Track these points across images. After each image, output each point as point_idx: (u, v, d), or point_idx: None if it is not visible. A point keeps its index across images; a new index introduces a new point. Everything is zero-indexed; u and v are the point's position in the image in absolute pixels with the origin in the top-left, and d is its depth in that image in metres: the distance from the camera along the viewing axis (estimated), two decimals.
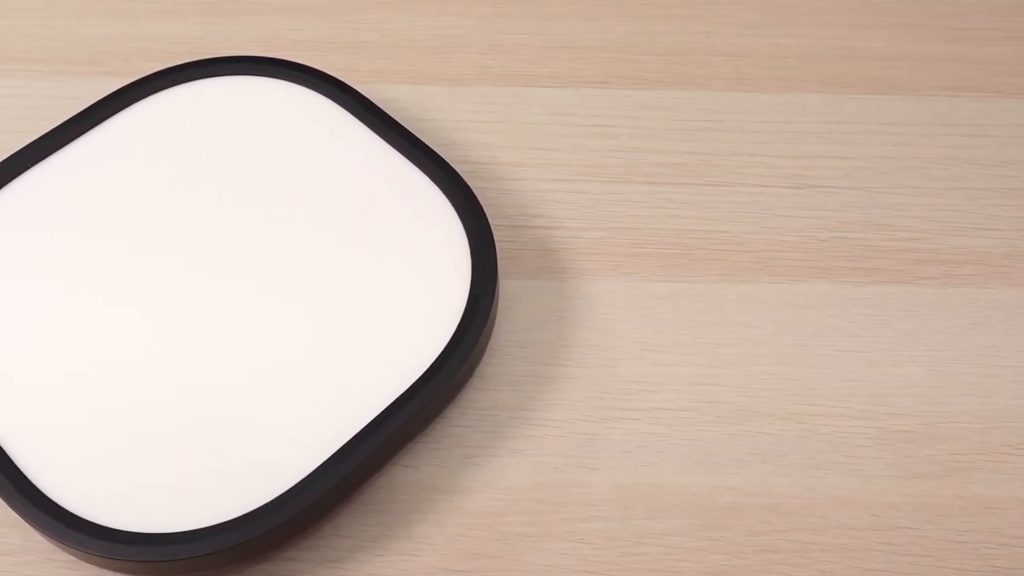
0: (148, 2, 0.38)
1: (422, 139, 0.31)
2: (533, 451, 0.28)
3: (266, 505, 0.25)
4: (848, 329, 0.30)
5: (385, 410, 0.26)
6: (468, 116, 0.35)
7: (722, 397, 0.29)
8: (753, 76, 0.36)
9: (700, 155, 0.34)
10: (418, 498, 0.28)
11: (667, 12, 0.38)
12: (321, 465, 0.26)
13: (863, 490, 0.28)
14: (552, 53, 0.36)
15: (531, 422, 0.29)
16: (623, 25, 0.37)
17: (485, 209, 0.30)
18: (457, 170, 0.30)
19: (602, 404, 0.29)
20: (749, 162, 0.34)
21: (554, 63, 0.36)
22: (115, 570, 0.26)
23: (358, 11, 0.38)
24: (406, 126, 0.31)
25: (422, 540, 0.27)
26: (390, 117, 0.31)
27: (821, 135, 0.34)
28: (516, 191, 0.33)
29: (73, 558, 0.26)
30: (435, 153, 0.31)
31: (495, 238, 0.29)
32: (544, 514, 0.27)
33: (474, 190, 0.30)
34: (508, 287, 0.31)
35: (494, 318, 0.29)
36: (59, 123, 0.32)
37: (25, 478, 0.25)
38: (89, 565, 0.26)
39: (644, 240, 0.32)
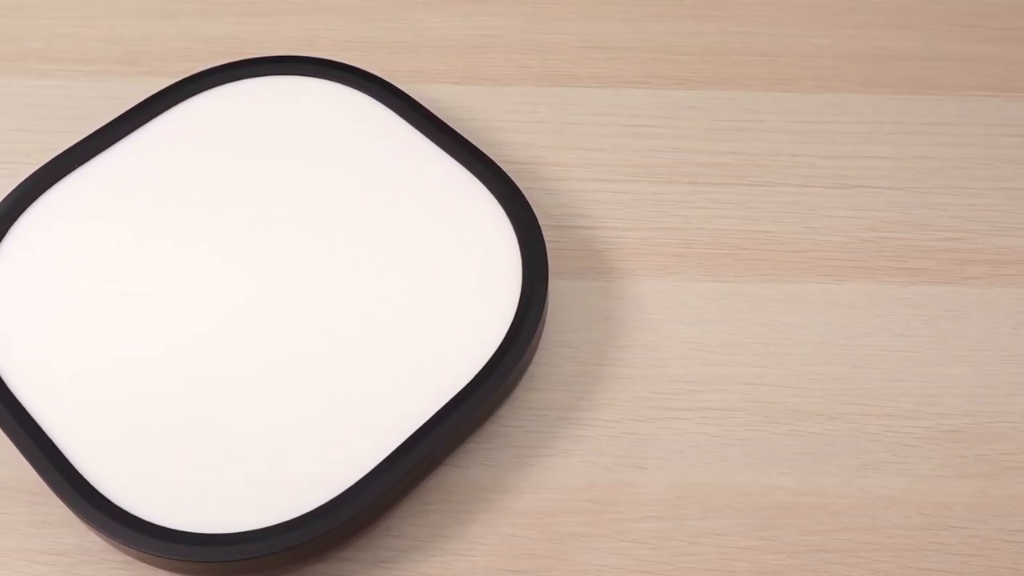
0: (185, 2, 0.38)
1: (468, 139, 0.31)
2: (584, 451, 0.28)
3: (325, 505, 0.25)
4: (894, 329, 0.30)
5: (440, 411, 0.26)
6: (510, 116, 0.35)
7: (771, 397, 0.29)
8: (792, 76, 0.36)
9: (742, 155, 0.34)
10: (470, 498, 0.28)
11: (704, 12, 0.38)
12: (377, 466, 0.26)
13: (913, 490, 0.28)
14: (591, 53, 0.36)
15: (582, 422, 0.29)
16: (661, 25, 0.37)
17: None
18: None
19: (652, 404, 0.29)
20: (791, 162, 0.34)
21: (594, 63, 0.36)
22: (174, 570, 0.26)
23: (396, 11, 0.38)
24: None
25: (475, 540, 0.27)
26: (436, 117, 0.31)
27: (862, 135, 0.34)
28: (560, 191, 0.33)
29: (128, 558, 0.27)
30: (483, 153, 0.31)
31: None
32: (597, 514, 0.27)
33: None
34: (555, 287, 0.31)
35: (545, 318, 0.29)
36: (107, 121, 0.32)
37: (83, 479, 0.25)
38: (144, 565, 0.26)
39: (689, 240, 0.32)
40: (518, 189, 0.30)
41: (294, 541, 0.24)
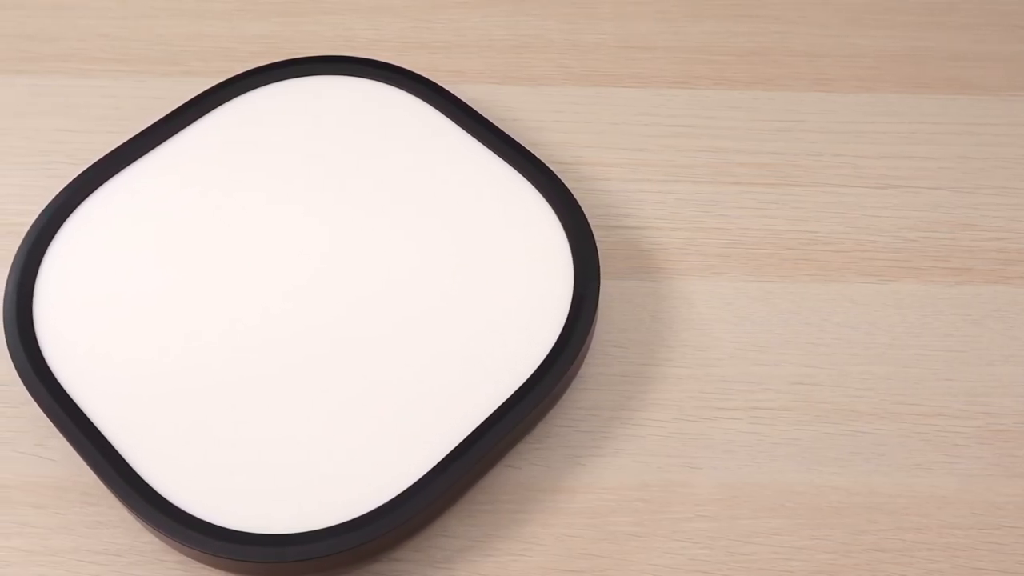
0: (224, 2, 0.38)
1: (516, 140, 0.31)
2: (636, 451, 0.28)
3: (385, 506, 0.25)
4: (941, 329, 0.31)
5: (496, 411, 0.26)
6: (552, 116, 0.35)
7: (820, 397, 0.29)
8: (831, 76, 0.36)
9: (784, 155, 0.34)
10: (523, 498, 0.28)
11: (742, 12, 0.38)
12: (435, 466, 0.26)
13: (965, 489, 0.28)
14: (631, 53, 0.37)
15: (632, 422, 0.29)
16: (699, 25, 0.37)
17: None
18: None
19: (702, 404, 0.29)
20: (834, 162, 0.34)
21: (634, 63, 0.36)
22: (231, 570, 0.26)
23: (435, 11, 0.38)
24: None
25: (530, 540, 0.27)
26: (483, 117, 0.31)
27: (903, 135, 0.34)
28: (604, 191, 0.33)
29: (183, 559, 0.27)
30: (531, 154, 0.31)
31: None
32: (650, 514, 0.27)
33: None
34: (602, 287, 0.31)
35: (596, 318, 0.29)
36: (151, 120, 0.32)
37: (142, 480, 0.25)
38: (198, 566, 0.26)
39: (734, 240, 0.32)
40: (567, 190, 0.30)
41: (355, 541, 0.25)
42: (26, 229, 0.32)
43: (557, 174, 0.31)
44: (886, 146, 0.34)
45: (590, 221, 0.32)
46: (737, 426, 0.29)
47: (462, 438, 0.26)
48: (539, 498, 0.28)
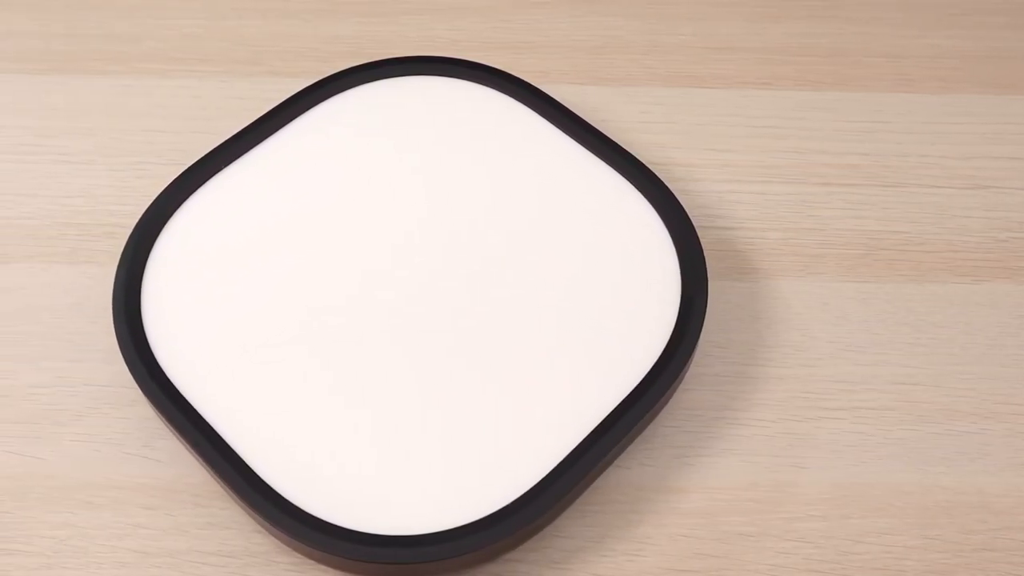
0: (304, 2, 0.38)
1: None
2: (743, 451, 0.28)
3: (508, 507, 0.25)
4: None
5: (613, 412, 0.26)
6: (638, 117, 0.35)
7: (922, 396, 0.29)
8: (914, 77, 0.36)
9: (871, 156, 0.34)
10: (635, 498, 0.28)
11: (822, 13, 0.38)
12: (555, 468, 0.26)
13: None
14: (713, 54, 0.37)
15: (738, 422, 0.29)
16: (780, 26, 0.37)
17: None
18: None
19: (806, 404, 0.29)
20: (921, 163, 0.34)
21: (716, 64, 0.36)
22: (351, 571, 0.26)
23: (513, 11, 0.38)
24: None
25: (644, 540, 0.27)
26: (579, 117, 0.31)
27: (988, 136, 0.35)
28: (695, 192, 0.33)
29: (297, 560, 0.27)
30: (630, 155, 0.31)
31: None
32: (762, 513, 0.28)
33: None
34: None
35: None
36: (237, 120, 0.32)
37: (263, 481, 0.25)
38: (314, 567, 0.26)
39: (828, 240, 0.32)
40: (669, 191, 0.30)
41: (480, 543, 0.25)
42: (120, 229, 0.32)
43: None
44: (971, 147, 0.34)
45: None
46: (842, 426, 0.29)
47: (581, 439, 0.26)
48: (651, 498, 0.28)
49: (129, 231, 0.30)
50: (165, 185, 0.31)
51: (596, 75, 0.36)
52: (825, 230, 0.33)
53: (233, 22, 0.37)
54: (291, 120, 0.31)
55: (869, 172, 0.34)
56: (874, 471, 0.28)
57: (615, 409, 0.27)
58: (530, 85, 0.32)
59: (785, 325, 0.31)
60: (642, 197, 0.30)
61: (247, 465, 0.26)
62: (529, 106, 0.32)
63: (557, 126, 0.31)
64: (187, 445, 0.26)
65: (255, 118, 0.32)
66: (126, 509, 0.27)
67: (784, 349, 0.30)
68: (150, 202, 0.30)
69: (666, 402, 0.28)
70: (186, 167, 0.31)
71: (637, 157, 0.31)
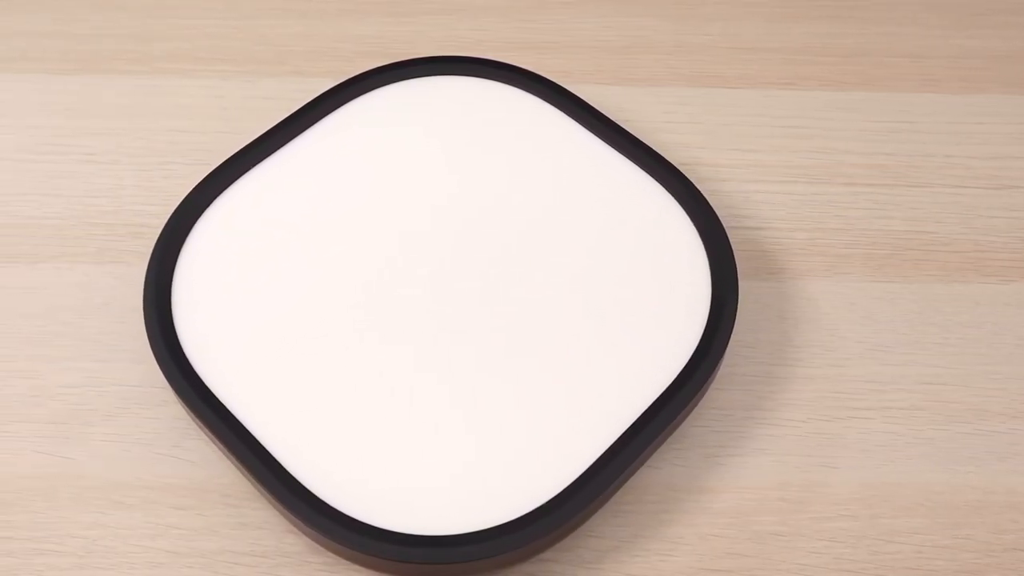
0: (327, 2, 0.38)
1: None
2: (773, 450, 0.28)
3: (541, 508, 0.25)
4: None
5: (645, 412, 0.26)
6: (663, 117, 0.35)
7: (951, 396, 0.29)
8: (938, 77, 0.36)
9: (896, 156, 0.34)
10: (666, 498, 0.28)
11: (845, 14, 0.38)
12: (589, 468, 0.26)
13: None
14: (737, 54, 0.37)
15: (767, 422, 0.29)
16: (803, 26, 0.37)
17: None
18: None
19: (835, 403, 0.29)
20: (946, 163, 0.34)
21: (740, 64, 0.36)
22: (386, 571, 0.25)
23: (538, 12, 0.38)
24: None
25: (676, 540, 0.27)
26: (606, 117, 0.31)
27: (1014, 136, 0.35)
28: (722, 192, 0.33)
29: (331, 560, 0.27)
30: (658, 155, 0.31)
31: None
32: (792, 513, 0.28)
33: None
34: None
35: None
36: (263, 120, 0.32)
37: (297, 481, 0.25)
38: (347, 567, 0.26)
39: (854, 241, 0.32)
40: (698, 191, 0.30)
41: (516, 544, 0.24)
42: (146, 229, 0.32)
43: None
44: (997, 147, 0.34)
45: None
46: (871, 426, 0.29)
47: (615, 439, 0.26)
48: (682, 498, 0.28)
49: (155, 231, 0.30)
50: (190, 185, 0.31)
51: (620, 75, 0.36)
52: (851, 230, 0.33)
53: (256, 22, 0.37)
54: (319, 120, 0.31)
55: (895, 172, 0.34)
56: (904, 471, 0.28)
57: (648, 409, 0.27)
58: (557, 85, 0.32)
59: (813, 325, 0.31)
60: (671, 197, 0.30)
61: (281, 465, 0.26)
62: (556, 106, 0.32)
63: (585, 126, 0.31)
64: (220, 445, 0.26)
65: (279, 118, 0.32)
66: (157, 509, 0.27)
67: (812, 349, 0.30)
68: (175, 202, 0.30)
69: (697, 402, 0.28)
70: (213, 167, 0.31)
71: (665, 157, 0.31)
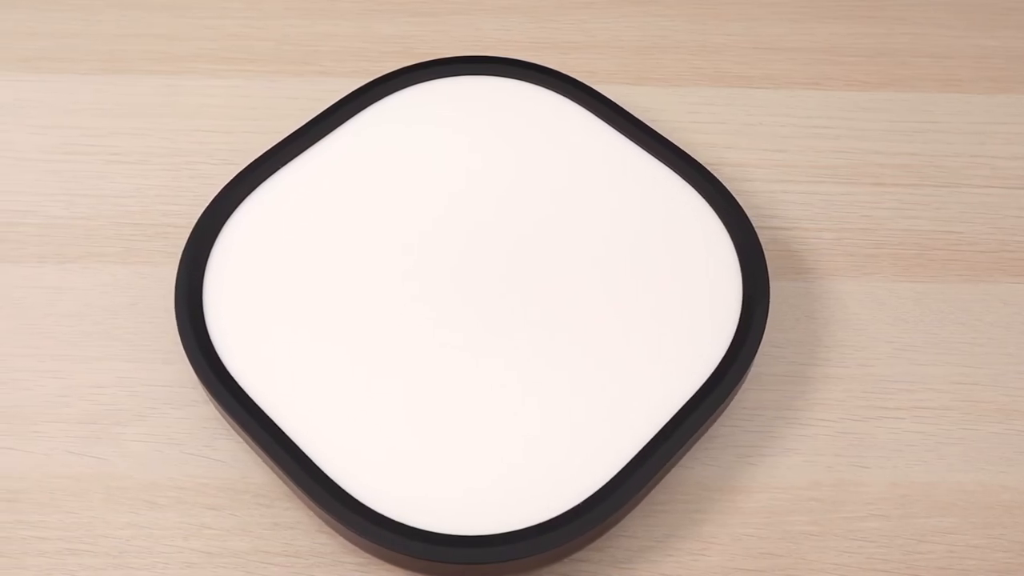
0: (352, 2, 0.38)
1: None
2: (804, 450, 0.29)
3: (577, 508, 0.25)
4: None
5: (679, 412, 0.26)
6: (688, 117, 0.35)
7: (981, 396, 0.30)
8: (961, 77, 0.36)
9: (922, 156, 0.34)
10: (699, 497, 0.28)
11: (867, 14, 0.38)
12: (625, 467, 0.26)
13: None
14: (760, 54, 0.37)
15: (798, 421, 0.29)
16: (826, 26, 0.38)
17: None
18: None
19: (865, 403, 0.29)
20: (972, 163, 0.34)
21: (764, 64, 0.36)
22: (420, 571, 0.25)
23: (561, 12, 0.38)
24: None
25: (709, 540, 0.27)
26: (635, 118, 0.31)
27: None
28: (748, 192, 0.33)
29: (364, 560, 0.26)
30: (687, 155, 0.31)
31: None
32: (824, 512, 0.28)
33: None
34: None
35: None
36: (289, 120, 0.32)
37: (333, 482, 0.25)
38: (380, 567, 0.26)
39: (881, 240, 0.32)
40: (728, 191, 0.30)
41: (552, 543, 0.24)
42: (174, 229, 0.32)
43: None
44: (1021, 147, 0.34)
45: None
46: (902, 425, 0.29)
47: (649, 439, 0.26)
48: (714, 497, 0.28)
49: (182, 231, 0.30)
50: (216, 185, 0.31)
51: (644, 75, 0.36)
52: (879, 230, 0.33)
53: (280, 22, 0.37)
54: (347, 119, 0.31)
55: (921, 172, 0.34)
56: (936, 470, 0.28)
57: (682, 409, 0.27)
58: (584, 85, 0.32)
59: (841, 325, 0.31)
60: (700, 197, 0.30)
61: (316, 465, 0.25)
62: (584, 106, 0.32)
63: (613, 126, 0.31)
64: (254, 445, 0.26)
65: (305, 117, 0.32)
66: (190, 509, 0.27)
67: (842, 349, 0.30)
68: (202, 202, 0.30)
69: (730, 402, 0.28)
70: (239, 167, 0.31)
71: (694, 157, 0.31)
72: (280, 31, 0.37)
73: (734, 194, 0.32)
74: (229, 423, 0.27)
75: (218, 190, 0.30)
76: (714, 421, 0.28)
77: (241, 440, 0.28)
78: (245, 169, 0.30)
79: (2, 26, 0.37)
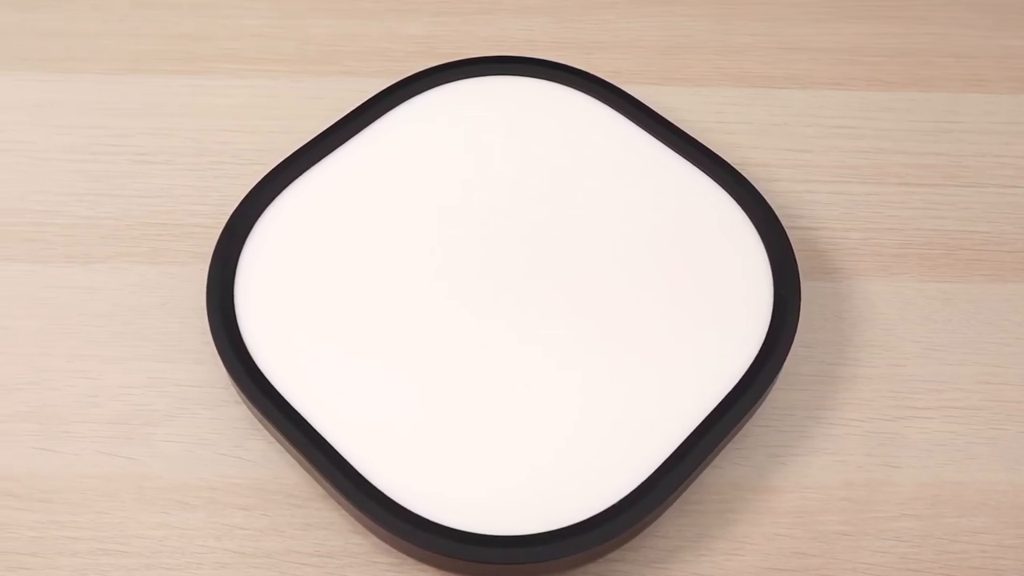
0: (375, 1, 0.38)
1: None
2: (835, 450, 0.29)
3: (612, 508, 0.25)
4: None
5: (713, 412, 0.26)
6: (713, 117, 0.35)
7: (1011, 396, 0.30)
8: (985, 77, 0.36)
9: (947, 156, 0.34)
10: (731, 497, 0.28)
11: (891, 14, 0.38)
12: (660, 467, 0.26)
13: None
14: (784, 54, 0.37)
15: (828, 421, 0.29)
16: (850, 26, 0.38)
17: None
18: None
19: (895, 403, 0.29)
20: (997, 163, 0.34)
21: (788, 64, 0.36)
22: (454, 570, 0.25)
23: (584, 11, 0.38)
24: None
25: (742, 540, 0.27)
26: (662, 118, 0.31)
27: None
28: (774, 192, 0.33)
29: (397, 560, 0.26)
30: (715, 155, 0.31)
31: None
32: (856, 512, 0.28)
33: None
34: None
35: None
36: (316, 120, 0.32)
37: (369, 483, 0.25)
38: (414, 567, 0.26)
39: (908, 241, 0.32)
40: (756, 190, 0.30)
41: (588, 544, 0.24)
42: (201, 229, 0.32)
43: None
44: None
45: None
46: (932, 425, 0.29)
47: (683, 439, 0.26)
48: (746, 497, 0.28)
49: (208, 231, 0.30)
50: (242, 185, 0.31)
51: (668, 75, 0.36)
52: (905, 230, 0.33)
53: (304, 21, 0.37)
54: (374, 120, 0.31)
55: (946, 172, 0.34)
56: (966, 470, 0.28)
57: (715, 409, 0.27)
58: (611, 84, 0.32)
59: (870, 325, 0.31)
60: (729, 197, 0.30)
61: (351, 465, 0.25)
62: (611, 106, 0.32)
63: (641, 126, 0.31)
64: (288, 446, 0.26)
65: (330, 117, 0.32)
66: (222, 510, 0.27)
67: (870, 349, 0.30)
68: (228, 201, 0.30)
69: (762, 402, 0.28)
70: (264, 167, 0.31)
71: (722, 157, 0.31)
72: (303, 31, 0.37)
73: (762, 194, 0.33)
74: (261, 423, 0.27)
75: (244, 190, 0.30)
76: (747, 421, 0.28)
77: (272, 440, 0.28)
78: (275, 168, 0.30)
79: (27, 27, 0.37)
